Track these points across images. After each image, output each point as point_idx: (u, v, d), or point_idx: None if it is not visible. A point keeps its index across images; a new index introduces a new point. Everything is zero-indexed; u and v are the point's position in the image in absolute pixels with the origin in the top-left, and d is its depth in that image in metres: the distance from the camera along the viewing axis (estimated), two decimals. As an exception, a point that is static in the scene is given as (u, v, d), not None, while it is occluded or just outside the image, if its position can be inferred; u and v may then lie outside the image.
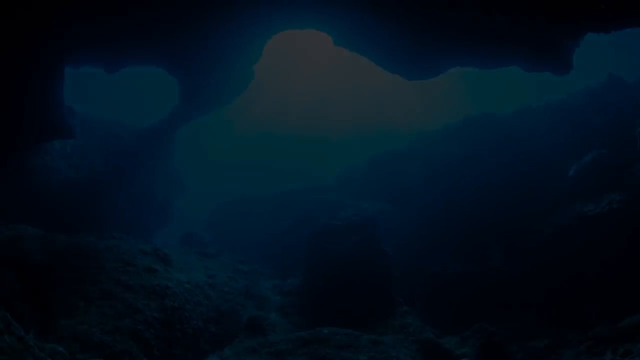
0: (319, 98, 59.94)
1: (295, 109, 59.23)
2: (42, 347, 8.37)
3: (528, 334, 13.45)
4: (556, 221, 17.74)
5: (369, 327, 13.52)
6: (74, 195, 19.88)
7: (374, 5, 14.96)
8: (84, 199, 20.16)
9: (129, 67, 20.38)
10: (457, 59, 16.86)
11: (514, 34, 13.83)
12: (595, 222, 16.28)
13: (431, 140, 25.87)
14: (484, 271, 17.69)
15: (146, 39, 17.46)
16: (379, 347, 11.65)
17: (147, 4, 15.23)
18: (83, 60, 18.87)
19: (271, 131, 60.99)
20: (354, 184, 27.20)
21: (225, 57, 19.82)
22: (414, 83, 21.60)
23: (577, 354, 11.74)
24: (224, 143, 60.17)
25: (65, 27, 14.94)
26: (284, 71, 56.70)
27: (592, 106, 22.91)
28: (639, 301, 12.74)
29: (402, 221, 22.63)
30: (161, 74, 21.77)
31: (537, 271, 16.51)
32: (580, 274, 15.08)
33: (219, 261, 19.48)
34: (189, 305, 13.94)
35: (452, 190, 22.08)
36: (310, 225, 20.06)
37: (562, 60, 14.71)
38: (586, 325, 12.84)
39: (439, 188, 22.68)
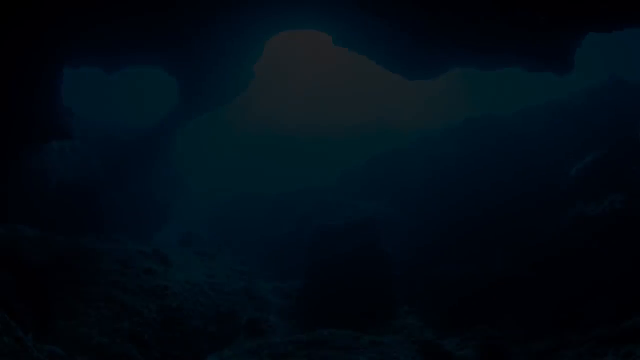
0: (319, 98, 59.91)
1: (295, 108, 59.20)
2: (40, 348, 8.32)
3: (529, 335, 13.37)
4: (557, 221, 17.69)
5: (369, 327, 13.46)
6: (72, 196, 19.84)
7: (373, 5, 14.92)
8: (82, 200, 20.12)
9: (128, 68, 20.35)
10: (458, 60, 16.83)
11: (515, 33, 13.78)
12: (597, 222, 16.22)
13: (431, 141, 25.83)
14: (485, 271, 17.61)
15: (146, 40, 17.43)
16: (379, 347, 11.59)
17: (147, 5, 15.19)
18: (82, 61, 18.84)
19: (271, 131, 60.90)
20: (354, 184, 27.16)
21: (225, 57, 19.79)
22: (414, 83, 21.58)
23: (579, 355, 11.66)
24: (223, 143, 60.10)
25: (65, 29, 14.90)
26: (284, 71, 56.73)
27: (592, 106, 22.89)
28: (640, 302, 12.68)
29: (402, 221, 22.58)
30: (161, 74, 21.75)
31: (538, 271, 16.43)
32: (582, 275, 15.01)
33: (218, 261, 19.43)
34: (189, 304, 13.89)
35: (452, 190, 22.03)
36: (310, 226, 20.01)
37: (563, 60, 14.68)
38: (588, 326, 12.77)
39: (439, 188, 22.63)
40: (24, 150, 17.83)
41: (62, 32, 14.99)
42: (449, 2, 13.51)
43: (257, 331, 14.22)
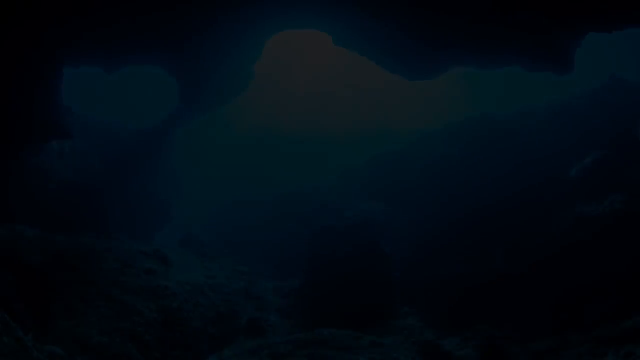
0: (319, 98, 59.89)
1: (295, 108, 59.17)
2: (40, 348, 8.31)
3: (529, 335, 13.37)
4: (557, 221, 17.68)
5: (369, 327, 13.46)
6: (72, 196, 19.82)
7: (373, 6, 14.92)
8: (82, 200, 20.10)
9: (128, 67, 20.35)
10: (458, 59, 16.82)
11: (516, 33, 13.77)
12: (597, 222, 16.22)
13: (431, 141, 25.82)
14: (485, 272, 17.60)
15: (146, 40, 17.42)
16: (379, 348, 11.59)
17: (147, 5, 15.19)
18: (82, 61, 18.83)
19: (271, 131, 60.89)
20: (354, 183, 27.15)
21: (225, 57, 19.79)
22: (414, 83, 21.60)
23: (579, 355, 11.66)
24: (223, 143, 60.08)
25: (65, 29, 14.90)
26: (284, 71, 56.72)
27: (593, 106, 22.89)
28: (640, 302, 12.67)
29: (402, 222, 22.57)
30: (161, 74, 21.74)
31: (539, 272, 16.42)
32: (582, 275, 15.01)
33: (218, 262, 19.43)
34: (189, 305, 13.88)
35: (452, 190, 22.02)
36: (310, 226, 20.01)
37: (564, 60, 14.67)
38: (588, 326, 12.77)
39: (439, 188, 22.62)
40: (24, 150, 17.82)
41: (62, 32, 14.98)
42: (449, 2, 13.51)
43: (257, 331, 14.24)
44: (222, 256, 20.41)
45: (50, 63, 15.92)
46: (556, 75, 15.60)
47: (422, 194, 23.15)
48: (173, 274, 15.19)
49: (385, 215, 22.53)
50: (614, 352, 10.99)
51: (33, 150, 18.47)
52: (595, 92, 23.82)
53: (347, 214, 22.53)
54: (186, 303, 13.86)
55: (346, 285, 15.79)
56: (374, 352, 11.29)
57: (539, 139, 22.37)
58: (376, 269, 16.31)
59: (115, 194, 22.84)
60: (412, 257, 19.56)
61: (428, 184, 23.35)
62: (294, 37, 30.67)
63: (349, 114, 58.49)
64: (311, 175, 33.03)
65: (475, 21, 13.73)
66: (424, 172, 24.02)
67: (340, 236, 17.46)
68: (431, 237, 20.65)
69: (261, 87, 35.23)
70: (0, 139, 15.79)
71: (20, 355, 7.20)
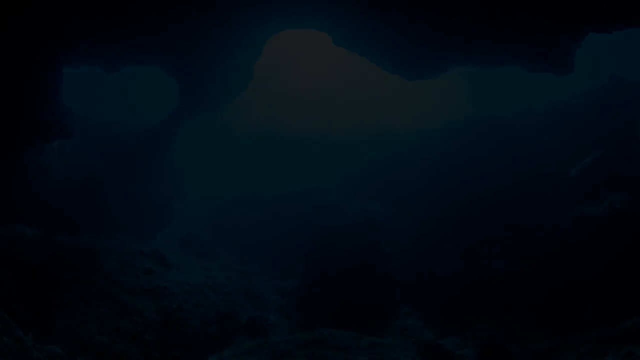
0: (319, 98, 59.89)
1: (295, 108, 59.16)
2: (40, 348, 8.32)
3: (529, 335, 13.37)
4: (557, 221, 17.68)
5: (369, 328, 13.47)
6: (73, 196, 19.83)
7: (373, 6, 14.92)
8: (83, 200, 20.11)
9: (128, 67, 20.37)
10: (458, 59, 16.82)
11: (516, 34, 13.77)
12: (596, 222, 16.21)
13: (431, 141, 25.82)
14: (485, 272, 17.61)
15: (146, 40, 17.45)
16: (379, 348, 11.60)
17: (147, 5, 15.20)
18: (82, 61, 18.85)
19: (271, 131, 60.87)
20: (354, 184, 27.15)
21: (225, 57, 19.80)
22: (414, 83, 21.60)
23: (579, 355, 11.66)
24: (223, 143, 60.06)
25: (65, 28, 14.91)
26: (284, 71, 56.76)
27: (593, 107, 22.90)
28: (640, 302, 12.67)
29: (402, 221, 22.57)
30: (161, 74, 21.75)
31: (538, 271, 16.43)
32: (582, 275, 15.01)
33: (218, 261, 19.43)
34: (188, 306, 13.88)
35: (452, 190, 22.02)
36: (310, 226, 20.01)
37: (564, 61, 14.68)
38: (588, 326, 12.78)
39: (439, 188, 22.62)
40: (25, 151, 17.84)
41: (63, 32, 15.00)
42: (449, 3, 13.52)
43: (257, 330, 14.25)
44: (222, 256, 20.41)
45: (51, 63, 15.94)
46: (556, 75, 15.62)
47: (422, 193, 23.16)
48: (172, 275, 15.20)
49: (385, 215, 22.54)
50: (614, 352, 10.99)
51: (34, 150, 18.49)
52: (595, 92, 23.83)
53: (347, 214, 22.55)
54: (186, 303, 13.86)
55: (346, 285, 15.80)
56: (374, 352, 11.30)
57: (538, 139, 22.39)
58: (376, 268, 16.32)
59: (115, 193, 22.85)
60: (412, 257, 19.57)
61: (428, 183, 23.35)
62: (294, 37, 30.64)
63: (349, 114, 58.46)
64: (311, 175, 33.03)
65: (475, 21, 13.74)
66: (424, 171, 24.02)
67: (340, 236, 17.47)
68: (431, 236, 20.66)
69: (261, 87, 35.28)
70: (2, 139, 15.81)
71: (20, 355, 7.21)
